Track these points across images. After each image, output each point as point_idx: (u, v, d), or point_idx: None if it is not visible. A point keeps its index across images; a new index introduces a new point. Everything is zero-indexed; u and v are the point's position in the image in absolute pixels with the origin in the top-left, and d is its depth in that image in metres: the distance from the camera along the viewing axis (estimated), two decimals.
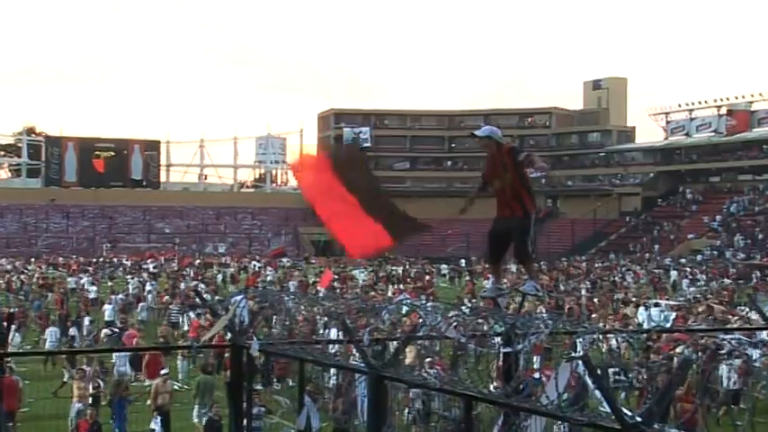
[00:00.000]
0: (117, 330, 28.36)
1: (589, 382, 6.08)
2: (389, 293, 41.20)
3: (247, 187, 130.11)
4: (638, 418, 5.75)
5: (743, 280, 56.23)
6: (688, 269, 63.60)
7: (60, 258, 73.90)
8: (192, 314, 31.66)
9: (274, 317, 11.39)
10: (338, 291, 40.52)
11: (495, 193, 9.62)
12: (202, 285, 43.26)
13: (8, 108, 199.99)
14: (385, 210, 10.56)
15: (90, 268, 59.71)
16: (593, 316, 30.01)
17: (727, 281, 54.81)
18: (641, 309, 32.39)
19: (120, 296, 38.47)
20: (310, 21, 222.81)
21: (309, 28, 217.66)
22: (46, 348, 27.83)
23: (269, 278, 51.99)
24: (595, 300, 38.56)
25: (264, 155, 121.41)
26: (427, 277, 56.43)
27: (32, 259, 70.15)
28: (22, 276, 52.31)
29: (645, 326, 27.08)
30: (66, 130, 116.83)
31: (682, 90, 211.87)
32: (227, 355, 15.88)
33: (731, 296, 40.78)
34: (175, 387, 21.55)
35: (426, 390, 10.60)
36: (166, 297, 38.44)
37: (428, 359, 9.98)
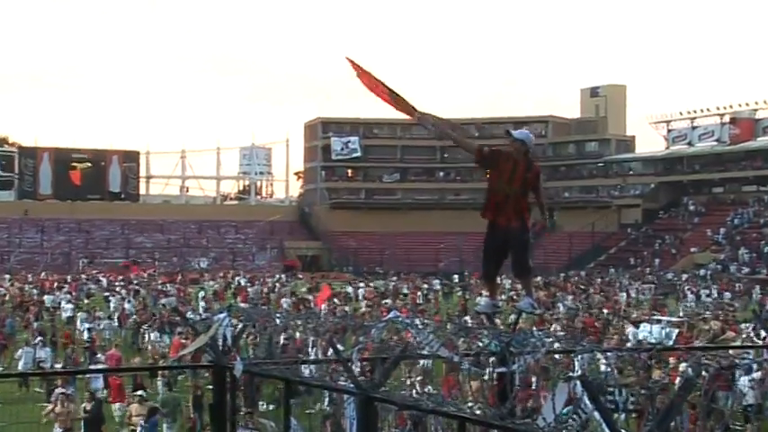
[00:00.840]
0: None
1: (587, 403, 6.08)
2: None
3: (231, 199, 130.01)
4: None
5: (746, 296, 56.40)
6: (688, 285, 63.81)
7: (30, 275, 73.55)
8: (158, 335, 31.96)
9: (258, 336, 11.38)
10: (337, 307, 40.49)
11: (494, 197, 9.55)
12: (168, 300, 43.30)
13: None
14: None
15: (66, 285, 59.43)
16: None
17: (727, 296, 55.04)
18: (642, 325, 32.42)
19: (100, 314, 38.38)
20: (296, 28, 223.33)
21: (295, 35, 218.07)
22: (19, 369, 27.67)
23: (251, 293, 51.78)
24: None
25: (249, 166, 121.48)
26: (419, 293, 56.28)
27: (7, 276, 69.78)
28: None
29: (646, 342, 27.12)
30: (40, 140, 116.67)
31: (683, 97, 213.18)
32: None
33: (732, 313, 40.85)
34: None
35: (418, 412, 10.58)
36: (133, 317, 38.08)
37: (419, 377, 9.99)
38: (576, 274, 78.99)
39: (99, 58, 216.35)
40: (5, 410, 21.00)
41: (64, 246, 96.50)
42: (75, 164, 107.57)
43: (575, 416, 6.09)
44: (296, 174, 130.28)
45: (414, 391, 8.82)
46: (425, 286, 63.85)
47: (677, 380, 16.97)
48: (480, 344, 7.85)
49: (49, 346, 29.81)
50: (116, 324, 37.88)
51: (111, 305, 44.09)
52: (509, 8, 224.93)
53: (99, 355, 27.71)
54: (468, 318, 34.94)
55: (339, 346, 9.05)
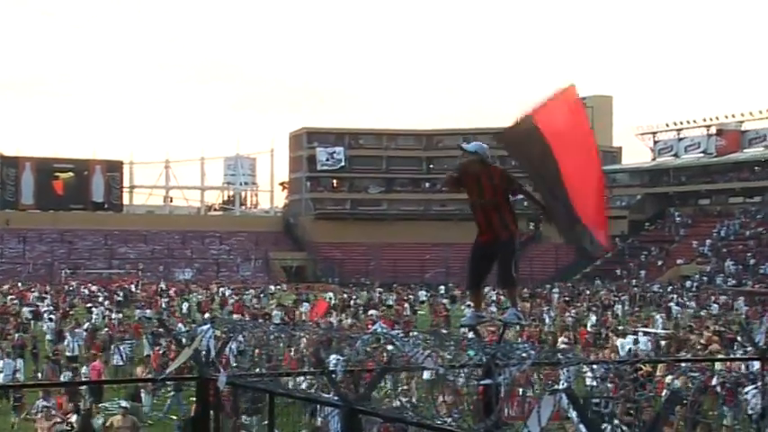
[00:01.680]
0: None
1: (573, 415, 6.09)
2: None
3: (215, 210, 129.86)
4: None
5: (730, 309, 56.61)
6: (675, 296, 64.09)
7: (7, 286, 73.20)
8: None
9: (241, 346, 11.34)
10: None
11: (474, 213, 9.59)
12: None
13: None
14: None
15: (48, 296, 59.18)
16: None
17: (714, 308, 55.27)
18: (629, 337, 32.50)
19: (86, 326, 38.15)
20: (281, 36, 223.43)
21: (280, 44, 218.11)
22: None
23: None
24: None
25: (233, 176, 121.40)
26: (406, 305, 56.26)
27: None
28: None
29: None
30: (22, 149, 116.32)
31: (669, 109, 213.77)
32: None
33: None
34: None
35: (403, 424, 10.56)
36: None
37: (403, 387, 9.96)
38: (563, 286, 79.14)
39: (82, 68, 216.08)
40: None
41: (46, 256, 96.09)
42: (57, 173, 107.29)
43: None
44: (281, 184, 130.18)
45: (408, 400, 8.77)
46: (411, 297, 63.85)
47: (664, 392, 17.04)
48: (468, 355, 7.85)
49: (26, 357, 29.66)
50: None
51: (94, 316, 43.88)
52: (496, 18, 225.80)
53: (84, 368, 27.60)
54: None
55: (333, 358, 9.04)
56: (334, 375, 8.71)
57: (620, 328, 38.38)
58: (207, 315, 43.60)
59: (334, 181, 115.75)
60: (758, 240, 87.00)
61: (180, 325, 34.71)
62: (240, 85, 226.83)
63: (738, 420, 18.66)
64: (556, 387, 6.38)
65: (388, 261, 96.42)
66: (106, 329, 37.97)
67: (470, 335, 10.30)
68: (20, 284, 73.33)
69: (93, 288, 68.90)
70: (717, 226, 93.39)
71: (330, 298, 60.77)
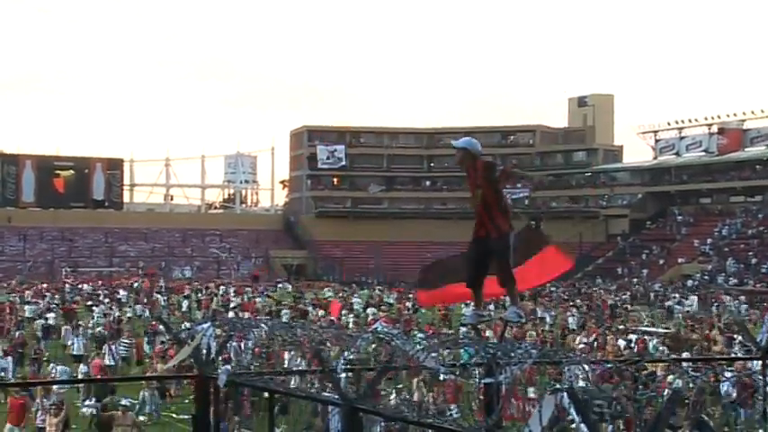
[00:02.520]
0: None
1: (575, 415, 6.06)
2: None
3: (215, 208, 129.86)
4: None
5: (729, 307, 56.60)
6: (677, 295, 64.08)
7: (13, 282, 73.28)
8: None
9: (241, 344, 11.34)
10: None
11: (475, 211, 9.54)
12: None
13: None
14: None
15: (48, 294, 59.12)
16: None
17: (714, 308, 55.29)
18: (630, 336, 32.49)
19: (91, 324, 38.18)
20: (282, 34, 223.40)
21: (281, 42, 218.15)
22: None
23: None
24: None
25: (234, 174, 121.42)
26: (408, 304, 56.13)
27: None
28: None
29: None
30: (23, 147, 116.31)
31: (671, 107, 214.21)
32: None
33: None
34: (141, 419, 21.67)
35: (403, 423, 10.53)
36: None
37: (399, 385, 9.95)
38: (564, 285, 79.10)
39: (83, 65, 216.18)
40: None
41: (46, 254, 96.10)
42: (58, 171, 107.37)
43: None
44: (281, 182, 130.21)
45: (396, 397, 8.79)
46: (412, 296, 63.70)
47: (665, 392, 17.02)
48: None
49: (15, 356, 29.67)
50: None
51: (96, 314, 43.83)
52: (498, 18, 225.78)
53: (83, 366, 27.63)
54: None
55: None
56: (335, 374, 8.68)
57: (621, 327, 38.34)
58: (230, 311, 43.66)
59: (335, 179, 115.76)
60: (760, 239, 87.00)
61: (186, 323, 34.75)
62: (241, 83, 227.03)
63: (747, 421, 18.63)
64: (557, 386, 6.37)
65: (389, 259, 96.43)
66: (99, 328, 37.82)
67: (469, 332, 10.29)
68: (14, 282, 73.25)
69: (87, 286, 68.87)
70: (718, 225, 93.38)
71: (330, 296, 60.84)
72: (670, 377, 18.84)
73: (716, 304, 57.65)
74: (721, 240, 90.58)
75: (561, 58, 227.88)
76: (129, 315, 45.75)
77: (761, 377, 10.73)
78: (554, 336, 35.91)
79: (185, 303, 53.15)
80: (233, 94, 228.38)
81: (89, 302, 52.98)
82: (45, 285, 68.22)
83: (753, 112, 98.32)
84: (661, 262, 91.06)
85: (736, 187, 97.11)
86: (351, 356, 8.79)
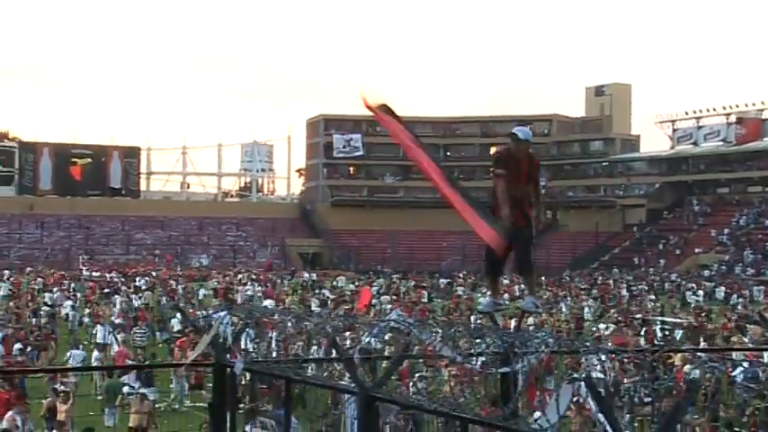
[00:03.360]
0: None
1: (592, 405, 6.05)
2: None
3: (232, 196, 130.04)
4: None
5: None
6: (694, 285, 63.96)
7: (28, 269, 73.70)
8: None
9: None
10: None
11: (507, 199, 9.46)
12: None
13: None
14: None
15: (65, 282, 59.42)
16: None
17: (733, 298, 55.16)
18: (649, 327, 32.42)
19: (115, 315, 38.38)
20: (298, 24, 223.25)
21: (297, 31, 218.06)
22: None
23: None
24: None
25: (250, 162, 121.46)
26: (423, 292, 56.23)
27: (6, 271, 69.74)
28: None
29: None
30: (40, 135, 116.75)
31: (689, 97, 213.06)
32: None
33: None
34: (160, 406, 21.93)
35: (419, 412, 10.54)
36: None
37: (417, 373, 9.95)
38: (579, 274, 79.02)
39: (100, 54, 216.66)
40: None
41: (64, 242, 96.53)
42: (75, 159, 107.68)
43: None
44: (298, 171, 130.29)
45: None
46: (428, 284, 63.81)
47: (682, 381, 16.96)
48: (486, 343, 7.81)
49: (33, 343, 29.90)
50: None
51: (119, 303, 44.03)
52: (515, 6, 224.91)
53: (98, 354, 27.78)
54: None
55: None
56: (351, 362, 8.68)
57: (638, 316, 38.28)
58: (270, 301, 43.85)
59: (351, 168, 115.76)
60: None
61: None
62: (258, 72, 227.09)
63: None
64: (574, 375, 6.35)
65: (405, 248, 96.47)
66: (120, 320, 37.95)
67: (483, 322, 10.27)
68: (32, 269, 73.64)
69: (113, 274, 69.18)
70: (735, 215, 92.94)
71: (342, 285, 61.00)
72: (687, 367, 18.80)
73: (735, 294, 57.48)
74: (739, 230, 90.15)
75: (579, 47, 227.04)
76: (147, 303, 45.89)
77: None
78: (569, 326, 35.88)
79: (202, 292, 53.33)
80: (250, 82, 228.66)
81: (106, 290, 53.25)
82: (62, 273, 68.51)
83: None
84: (678, 252, 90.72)
85: (753, 177, 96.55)
86: (367, 345, 8.80)
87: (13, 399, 19.27)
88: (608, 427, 5.82)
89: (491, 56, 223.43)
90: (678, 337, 29.85)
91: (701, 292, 59.21)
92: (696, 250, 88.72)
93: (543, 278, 64.65)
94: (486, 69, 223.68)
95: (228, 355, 10.84)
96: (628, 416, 12.10)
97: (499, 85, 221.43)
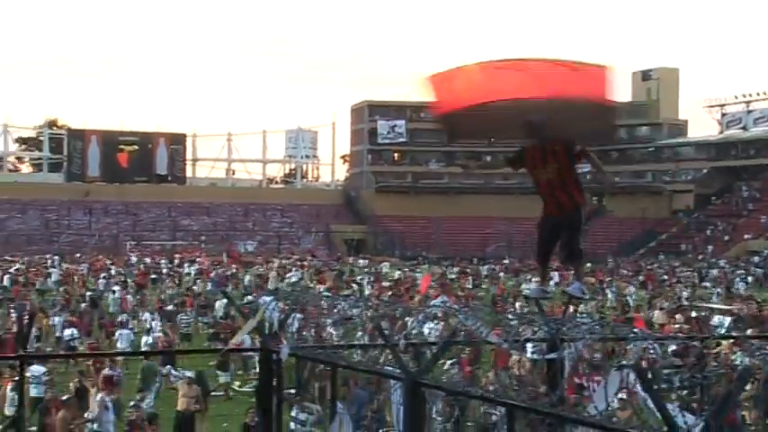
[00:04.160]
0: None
1: (641, 391, 5.99)
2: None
3: (276, 183, 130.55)
4: None
5: None
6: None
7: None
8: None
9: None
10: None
11: (539, 187, 9.47)
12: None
13: (30, 100, 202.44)
14: None
15: (113, 268, 60.06)
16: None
17: None
18: (693, 314, 32.07)
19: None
20: (344, 9, 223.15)
21: (342, 17, 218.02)
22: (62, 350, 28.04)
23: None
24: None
25: (295, 149, 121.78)
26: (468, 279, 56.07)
27: (56, 257, 70.68)
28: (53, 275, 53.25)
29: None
30: (88, 122, 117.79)
31: (738, 80, 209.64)
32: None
33: None
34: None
35: (465, 397, 10.52)
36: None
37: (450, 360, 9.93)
38: (626, 261, 78.40)
39: (146, 42, 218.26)
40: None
41: (111, 228, 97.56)
42: (122, 146, 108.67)
43: None
44: (342, 157, 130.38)
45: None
46: (472, 271, 63.65)
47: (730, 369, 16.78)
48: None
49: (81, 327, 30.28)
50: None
51: (168, 289, 44.41)
52: None
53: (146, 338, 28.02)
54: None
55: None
56: (397, 348, 8.69)
57: (686, 303, 37.90)
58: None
59: (395, 154, 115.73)
60: None
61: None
62: (302, 59, 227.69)
63: None
64: (623, 362, 6.31)
65: (449, 235, 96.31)
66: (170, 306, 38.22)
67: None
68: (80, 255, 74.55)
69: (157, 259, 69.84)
70: None
71: (387, 271, 61.09)
72: (734, 355, 18.59)
73: None
74: None
75: (625, 31, 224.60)
76: (192, 288, 46.24)
77: None
78: (616, 313, 35.58)
79: (247, 278, 53.56)
80: (294, 69, 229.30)
81: (154, 276, 53.80)
82: (110, 259, 69.29)
83: None
84: (726, 238, 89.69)
85: None
86: (413, 331, 8.82)
87: (102, 382, 19.71)
88: (657, 414, 5.77)
89: (535, 39, 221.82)
90: (726, 325, 29.47)
91: (749, 279, 58.56)
92: (745, 236, 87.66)
93: (589, 264, 64.20)
94: (529, 53, 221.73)
95: (275, 341, 10.90)
96: (677, 403, 11.97)
97: None
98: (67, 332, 29.04)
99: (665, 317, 31.89)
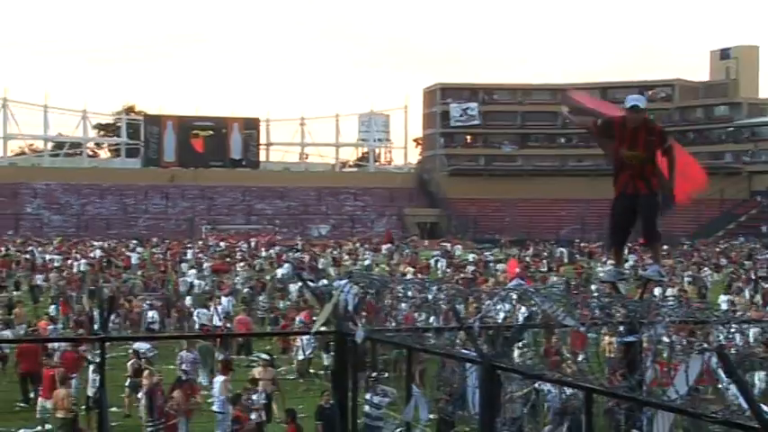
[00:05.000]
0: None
1: (723, 376, 5.88)
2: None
3: (349, 166, 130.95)
4: None
5: None
6: None
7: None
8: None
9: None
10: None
11: (621, 165, 9.37)
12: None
13: (108, 87, 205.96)
14: None
15: (189, 251, 60.91)
16: None
17: None
18: None
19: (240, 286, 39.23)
20: None
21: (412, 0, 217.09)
22: (141, 333, 28.56)
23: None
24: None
25: (367, 133, 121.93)
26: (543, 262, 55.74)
27: (134, 241, 71.90)
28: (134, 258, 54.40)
29: None
30: (164, 108, 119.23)
31: None
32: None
33: None
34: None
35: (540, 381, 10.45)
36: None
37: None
38: (704, 243, 77.14)
39: (219, 28, 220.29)
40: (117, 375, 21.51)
41: (188, 212, 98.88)
42: (197, 131, 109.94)
43: None
44: (414, 140, 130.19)
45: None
46: (546, 254, 63.23)
47: None
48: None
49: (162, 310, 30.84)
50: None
51: (240, 273, 44.95)
52: None
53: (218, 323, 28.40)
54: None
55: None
56: (472, 331, 8.66)
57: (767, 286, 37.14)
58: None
59: (468, 137, 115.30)
60: None
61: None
62: (374, 42, 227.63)
63: None
64: (705, 346, 6.19)
65: (523, 217, 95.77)
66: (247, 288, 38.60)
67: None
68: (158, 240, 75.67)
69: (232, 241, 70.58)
70: None
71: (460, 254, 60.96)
72: None
73: None
74: None
75: (702, 9, 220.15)
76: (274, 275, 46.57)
77: None
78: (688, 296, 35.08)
79: (322, 261, 53.91)
80: (366, 53, 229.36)
81: (228, 259, 54.44)
82: (186, 243, 70.27)
83: None
84: None
85: None
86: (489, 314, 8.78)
87: (221, 366, 20.31)
88: (741, 401, 5.66)
89: (610, 19, 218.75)
90: None
91: None
92: None
93: (667, 246, 63.28)
94: (604, 33, 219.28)
95: (349, 324, 10.95)
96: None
97: (618, 49, 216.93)
98: (150, 314, 29.61)
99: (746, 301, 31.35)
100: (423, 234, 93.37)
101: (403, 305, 10.75)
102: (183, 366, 21.41)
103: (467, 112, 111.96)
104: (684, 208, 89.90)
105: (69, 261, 51.95)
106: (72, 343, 21.80)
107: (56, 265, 49.48)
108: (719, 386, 6.60)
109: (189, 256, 56.75)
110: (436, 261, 53.55)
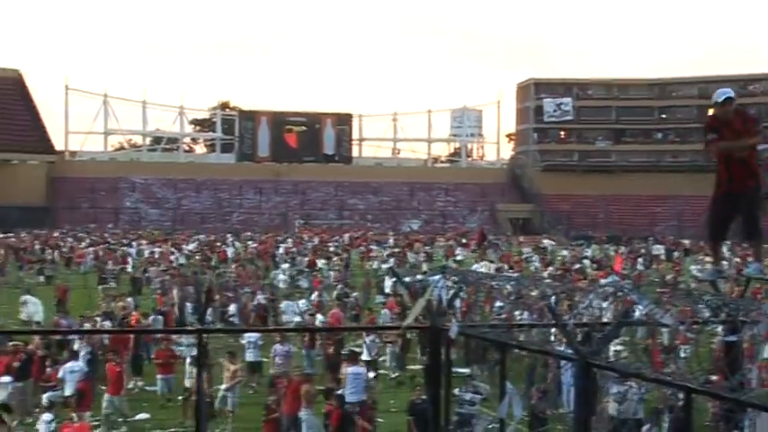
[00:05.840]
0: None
1: None
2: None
3: (442, 162, 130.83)
4: None
5: None
6: None
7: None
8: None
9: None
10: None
11: (724, 160, 9.17)
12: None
13: (205, 83, 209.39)
14: None
15: (283, 246, 61.51)
16: None
17: None
18: None
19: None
20: None
21: None
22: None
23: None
24: None
25: (460, 128, 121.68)
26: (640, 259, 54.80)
27: (229, 235, 72.89)
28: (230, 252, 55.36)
29: None
30: (259, 104, 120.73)
31: None
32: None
33: None
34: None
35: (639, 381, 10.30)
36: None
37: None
38: None
39: (313, 24, 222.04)
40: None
41: (281, 207, 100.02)
42: (290, 127, 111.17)
43: None
44: (507, 136, 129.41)
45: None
46: (643, 251, 62.17)
47: None
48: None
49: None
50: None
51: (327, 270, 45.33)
52: None
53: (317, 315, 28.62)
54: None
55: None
56: (568, 328, 8.57)
57: None
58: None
59: (562, 132, 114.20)
60: None
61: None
62: (467, 37, 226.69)
63: None
64: None
65: (617, 214, 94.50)
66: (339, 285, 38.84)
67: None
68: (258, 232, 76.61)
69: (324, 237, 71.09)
70: None
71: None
72: None
73: None
74: None
75: None
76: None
77: None
78: None
79: (413, 257, 53.93)
80: (460, 47, 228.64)
81: (319, 252, 54.85)
82: (278, 237, 71.03)
83: None
84: None
85: None
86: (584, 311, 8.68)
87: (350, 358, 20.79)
88: None
89: (707, 11, 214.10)
90: None
91: None
92: None
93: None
94: (701, 26, 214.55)
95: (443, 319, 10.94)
96: None
97: (716, 43, 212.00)
98: (231, 308, 29.95)
99: None
100: (515, 230, 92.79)
101: (498, 303, 10.71)
102: (277, 359, 21.69)
103: (560, 108, 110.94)
104: None
105: (169, 254, 52.97)
106: (166, 342, 22.38)
107: (156, 257, 50.62)
108: None
109: (281, 250, 57.34)
110: (529, 257, 53.23)
